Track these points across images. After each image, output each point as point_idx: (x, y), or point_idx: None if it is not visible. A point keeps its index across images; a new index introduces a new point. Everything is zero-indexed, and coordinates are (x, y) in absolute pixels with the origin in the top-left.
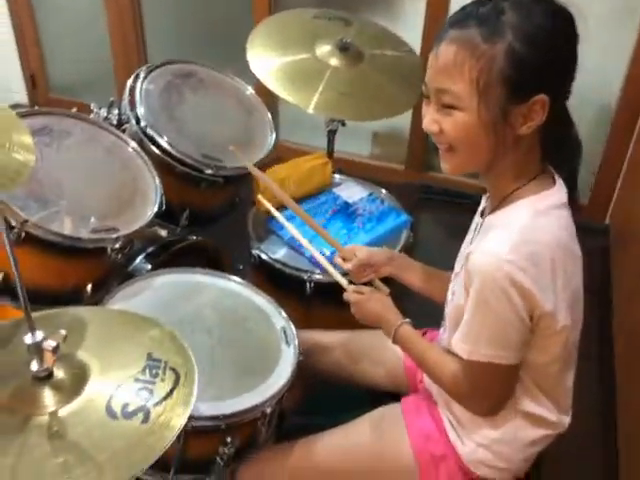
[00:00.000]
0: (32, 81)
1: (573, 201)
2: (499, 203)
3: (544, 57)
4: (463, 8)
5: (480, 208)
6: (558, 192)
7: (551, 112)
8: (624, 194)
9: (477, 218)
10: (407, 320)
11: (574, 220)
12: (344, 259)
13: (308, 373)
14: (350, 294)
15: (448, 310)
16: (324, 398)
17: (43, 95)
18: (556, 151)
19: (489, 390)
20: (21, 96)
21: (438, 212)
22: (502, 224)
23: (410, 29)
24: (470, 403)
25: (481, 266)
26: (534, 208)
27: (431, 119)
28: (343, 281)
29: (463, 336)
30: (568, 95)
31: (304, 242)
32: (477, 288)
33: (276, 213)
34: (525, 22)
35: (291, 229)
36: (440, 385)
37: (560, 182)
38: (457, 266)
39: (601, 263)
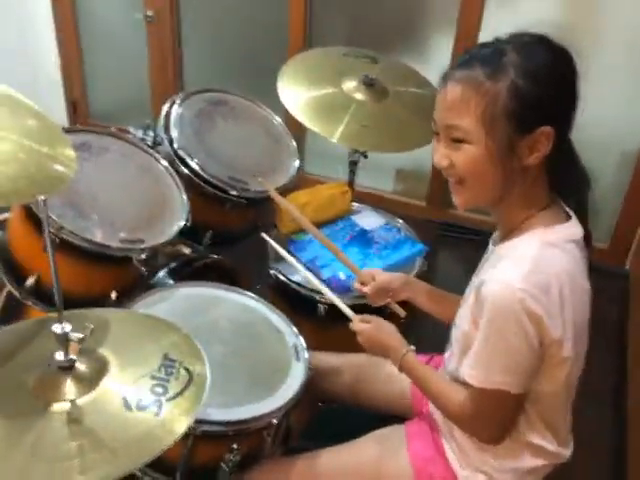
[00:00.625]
0: (73, 107)
1: (584, 234)
2: (509, 233)
3: (545, 91)
4: (468, 51)
5: (492, 238)
6: (571, 227)
7: (556, 143)
8: None
9: (489, 247)
10: (412, 347)
11: (591, 259)
12: (362, 283)
13: (316, 394)
14: (356, 324)
15: (455, 334)
16: (330, 421)
17: (83, 120)
18: (562, 181)
19: (493, 418)
20: (62, 120)
21: (457, 249)
22: (512, 255)
23: (437, 69)
24: (473, 430)
25: (494, 295)
26: (542, 239)
27: (441, 155)
28: (349, 312)
29: (474, 363)
30: (571, 127)
31: (310, 277)
32: (490, 316)
33: (287, 256)
34: (526, 60)
35: (301, 268)
36: (444, 412)
37: (575, 218)
38: (467, 292)
39: (619, 307)
